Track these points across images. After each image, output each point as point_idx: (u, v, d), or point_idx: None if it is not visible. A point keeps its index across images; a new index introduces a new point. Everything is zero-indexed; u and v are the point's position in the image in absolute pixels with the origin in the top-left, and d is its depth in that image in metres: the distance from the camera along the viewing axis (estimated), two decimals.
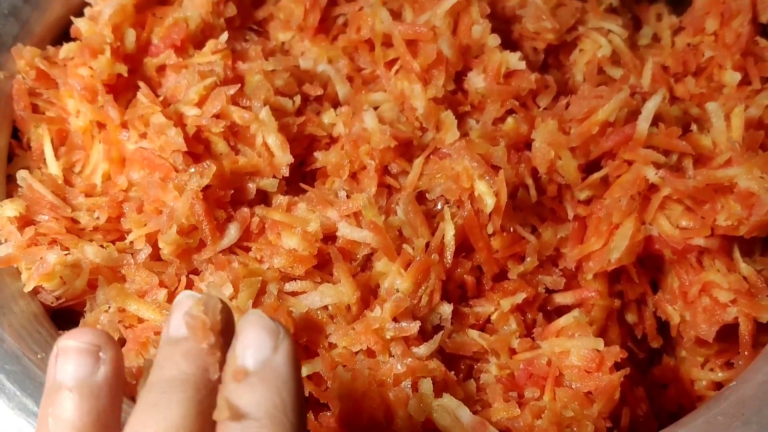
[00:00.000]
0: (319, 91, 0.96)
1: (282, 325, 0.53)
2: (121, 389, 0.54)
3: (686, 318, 0.88)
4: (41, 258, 0.77)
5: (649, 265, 0.93)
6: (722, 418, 0.69)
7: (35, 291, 0.80)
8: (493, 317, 0.86)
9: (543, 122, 0.89)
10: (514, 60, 0.93)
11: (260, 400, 0.49)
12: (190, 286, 0.80)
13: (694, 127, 0.91)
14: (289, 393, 0.50)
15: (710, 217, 0.85)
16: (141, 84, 0.89)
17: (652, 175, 0.86)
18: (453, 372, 0.82)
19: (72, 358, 0.52)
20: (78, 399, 0.51)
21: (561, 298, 0.90)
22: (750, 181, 0.81)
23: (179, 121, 0.87)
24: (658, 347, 0.94)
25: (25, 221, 0.82)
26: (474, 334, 0.85)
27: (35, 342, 0.74)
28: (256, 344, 0.51)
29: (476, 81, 0.95)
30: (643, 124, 0.86)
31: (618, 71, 1.00)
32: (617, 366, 0.79)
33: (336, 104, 0.98)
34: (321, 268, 0.84)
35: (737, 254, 0.88)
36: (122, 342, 0.77)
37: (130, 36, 0.94)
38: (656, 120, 0.89)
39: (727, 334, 0.87)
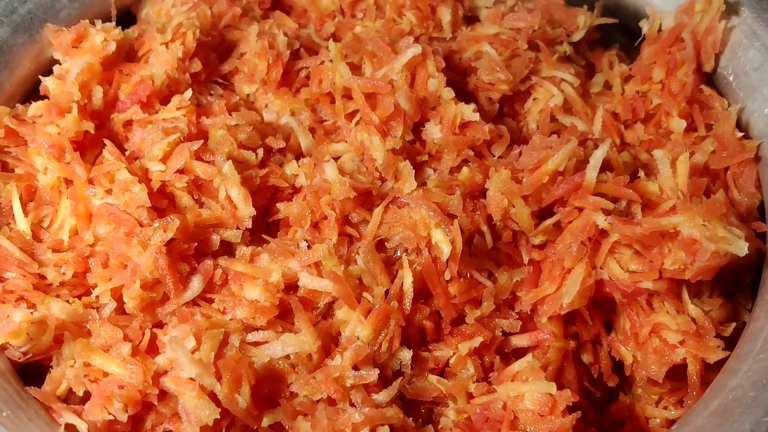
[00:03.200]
0: (282, 144, 0.99)
1: None
2: None
3: (638, 358, 0.91)
4: (8, 316, 0.80)
5: (603, 306, 0.96)
6: None
7: (2, 347, 0.82)
8: (452, 361, 0.88)
9: (497, 172, 0.93)
10: (468, 112, 0.97)
11: None
12: (153, 339, 0.82)
13: (641, 173, 0.95)
14: None
15: (658, 261, 0.88)
16: (107, 141, 0.92)
17: (601, 221, 0.89)
18: (412, 417, 0.84)
19: None
20: None
21: (518, 341, 0.92)
22: (692, 229, 0.84)
23: (145, 176, 0.90)
24: (614, 386, 0.96)
25: None
26: (433, 379, 0.87)
27: (2, 400, 0.76)
28: None
29: (433, 132, 0.99)
30: (591, 173, 0.90)
31: (570, 119, 1.04)
32: (570, 409, 0.81)
33: (299, 155, 1.01)
34: (283, 317, 0.86)
35: (686, 296, 0.91)
36: (86, 396, 0.79)
37: (98, 93, 0.97)
38: (606, 167, 0.92)
39: (679, 372, 0.90)
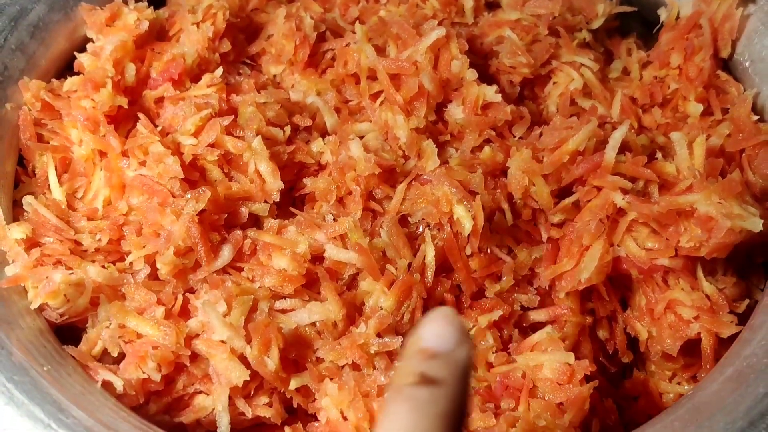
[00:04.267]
0: (308, 122, 1.02)
1: (467, 330, 0.58)
2: None
3: (653, 334, 0.93)
4: (47, 277, 0.82)
5: (619, 283, 0.98)
6: (678, 423, 0.74)
7: (41, 308, 0.85)
8: (472, 333, 0.91)
9: (518, 151, 0.95)
10: (490, 93, 0.99)
11: (443, 376, 0.53)
12: (186, 304, 0.85)
13: (659, 154, 0.97)
14: (463, 386, 0.54)
15: (674, 239, 0.91)
16: (140, 115, 0.95)
17: (619, 200, 0.92)
18: None
19: None
20: None
21: (536, 315, 0.95)
22: (709, 207, 0.86)
23: (176, 149, 0.93)
24: (629, 362, 0.99)
25: (31, 243, 0.88)
26: None
27: (41, 355, 0.79)
28: (444, 334, 0.55)
29: (456, 112, 1.01)
30: (610, 152, 0.92)
31: (589, 102, 1.07)
32: (587, 379, 0.84)
33: (324, 134, 1.04)
34: (309, 287, 0.89)
35: (701, 274, 0.93)
36: (122, 356, 0.82)
37: (131, 70, 1.00)
38: (624, 149, 0.95)
39: (693, 349, 0.93)
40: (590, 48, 1.16)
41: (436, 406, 0.52)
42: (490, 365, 0.89)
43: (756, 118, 1.00)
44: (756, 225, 0.84)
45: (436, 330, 0.56)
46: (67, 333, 0.87)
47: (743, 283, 0.95)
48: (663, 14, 1.14)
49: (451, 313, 0.57)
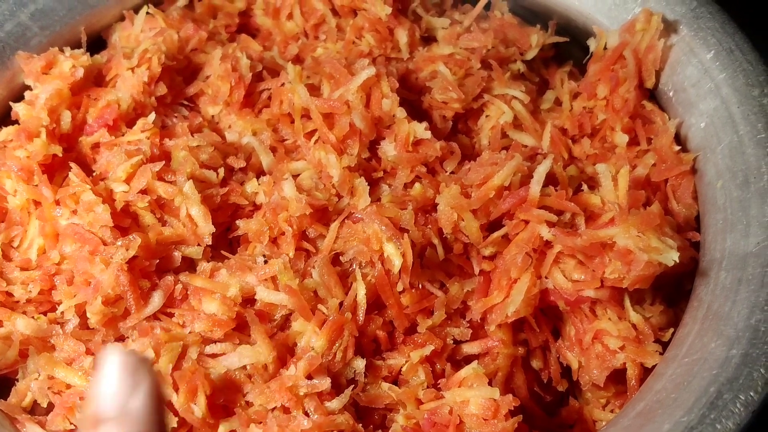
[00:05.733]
0: (242, 163, 1.04)
1: (145, 361, 0.54)
2: None
3: (582, 363, 0.95)
4: None
5: (551, 314, 1.00)
6: None
7: None
8: (404, 369, 0.92)
9: (447, 187, 0.97)
10: (420, 130, 1.01)
11: None
12: None
13: (584, 186, 0.99)
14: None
15: (599, 270, 0.92)
16: (72, 164, 0.96)
17: (545, 232, 0.93)
18: (366, 424, 0.88)
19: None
20: None
21: (468, 348, 0.96)
22: (627, 240, 0.88)
23: (109, 196, 0.95)
24: (565, 390, 1.00)
25: None
26: (385, 386, 0.91)
27: None
28: (112, 389, 0.52)
29: (388, 149, 1.03)
30: (534, 187, 0.94)
31: (520, 135, 1.09)
32: (512, 413, 0.86)
33: (261, 173, 1.06)
34: (241, 330, 0.90)
35: (628, 303, 0.95)
36: (50, 407, 0.83)
37: (66, 117, 1.01)
38: (551, 182, 0.97)
39: (623, 377, 0.94)
40: (525, 78, 1.19)
41: None
42: (419, 402, 0.90)
43: (678, 148, 1.03)
44: (671, 259, 0.86)
45: (103, 389, 0.53)
46: (3, 383, 0.89)
47: (671, 310, 0.97)
48: (592, 44, 1.16)
49: (117, 358, 0.53)
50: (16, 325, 0.85)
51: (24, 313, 0.89)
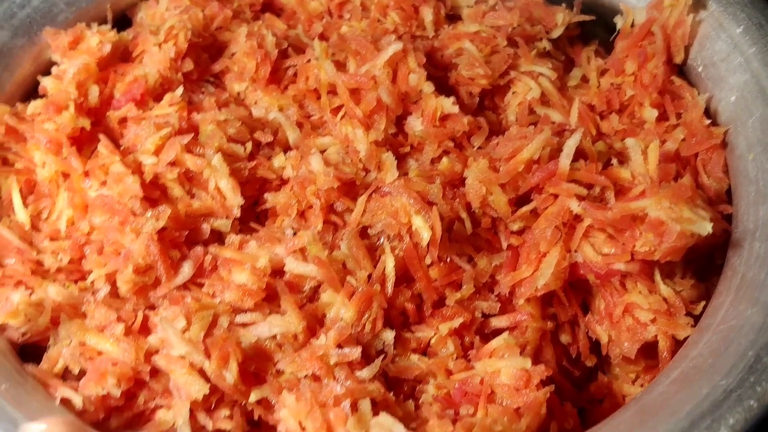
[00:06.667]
0: (269, 138, 1.04)
1: None
2: None
3: (612, 337, 0.95)
4: (6, 298, 0.84)
5: (580, 288, 0.99)
6: (624, 426, 0.76)
7: (2, 328, 0.87)
8: (433, 341, 0.92)
9: (475, 161, 0.97)
10: (448, 105, 1.01)
11: None
12: (146, 320, 0.87)
13: (614, 161, 0.99)
14: None
15: (630, 243, 0.92)
16: (101, 136, 0.97)
17: (575, 206, 0.93)
18: (395, 393, 0.88)
19: None
20: None
21: (497, 322, 0.96)
22: (659, 211, 0.88)
23: (138, 169, 0.95)
24: (593, 365, 1.00)
25: None
26: (415, 358, 0.91)
27: (1, 375, 0.80)
28: None
29: (415, 124, 1.03)
30: (564, 160, 0.94)
31: (547, 111, 1.09)
32: (544, 383, 0.85)
33: (288, 149, 1.06)
34: (270, 301, 0.91)
35: (658, 277, 0.95)
36: (82, 373, 0.84)
37: (94, 92, 1.02)
38: (580, 156, 0.97)
39: (653, 351, 0.94)
40: (550, 57, 1.18)
41: None
42: (449, 372, 0.90)
43: (708, 122, 1.02)
44: (704, 228, 0.85)
45: None
46: (30, 351, 0.89)
47: (702, 284, 0.97)
48: (619, 22, 1.16)
49: None
50: (47, 292, 0.86)
51: (54, 281, 0.89)
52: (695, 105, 1.03)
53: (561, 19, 1.20)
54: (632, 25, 1.13)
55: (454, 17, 1.23)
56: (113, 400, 0.83)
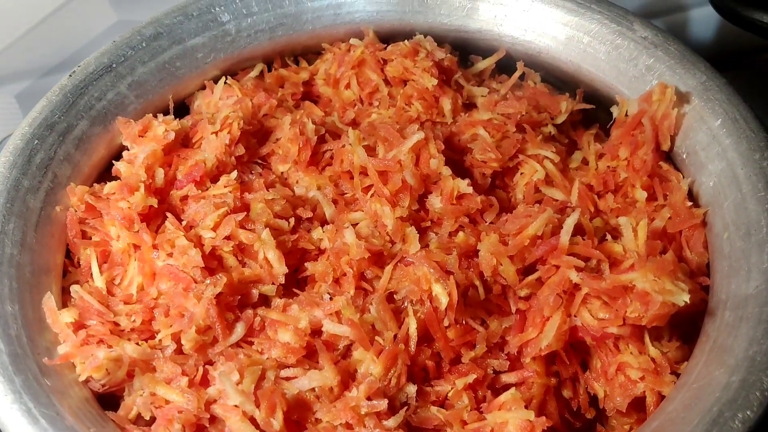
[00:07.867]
0: (309, 214, 1.19)
1: None
2: None
3: (607, 392, 1.07)
4: (92, 354, 0.99)
5: (579, 348, 1.12)
6: None
7: (86, 380, 1.02)
8: (450, 394, 1.05)
9: (487, 236, 1.11)
10: (463, 185, 1.16)
11: None
12: (206, 374, 1.01)
13: (609, 237, 1.13)
14: None
15: (622, 310, 1.04)
16: (168, 215, 1.13)
17: (574, 276, 1.06)
18: None
19: None
20: None
21: (506, 378, 1.08)
22: (645, 284, 1.01)
23: (198, 241, 1.10)
24: (592, 418, 1.12)
25: (78, 325, 1.05)
26: (434, 409, 1.04)
27: (88, 419, 0.95)
28: None
29: (435, 202, 1.18)
30: (564, 237, 1.07)
31: (550, 191, 1.23)
32: None
33: (324, 223, 1.21)
34: (309, 357, 1.04)
35: (647, 339, 1.07)
36: (153, 419, 0.98)
37: (160, 174, 1.18)
38: (579, 232, 1.10)
39: (643, 405, 1.06)
40: (555, 140, 1.33)
41: None
42: (464, 423, 1.02)
43: (690, 203, 1.16)
44: (682, 299, 0.98)
45: None
46: (108, 400, 1.04)
47: (686, 346, 1.09)
48: (615, 112, 1.31)
49: None
50: (125, 349, 1.01)
51: (129, 340, 1.04)
52: (679, 188, 1.17)
53: (565, 106, 1.34)
54: (626, 115, 1.28)
55: (470, 105, 1.37)
56: None
